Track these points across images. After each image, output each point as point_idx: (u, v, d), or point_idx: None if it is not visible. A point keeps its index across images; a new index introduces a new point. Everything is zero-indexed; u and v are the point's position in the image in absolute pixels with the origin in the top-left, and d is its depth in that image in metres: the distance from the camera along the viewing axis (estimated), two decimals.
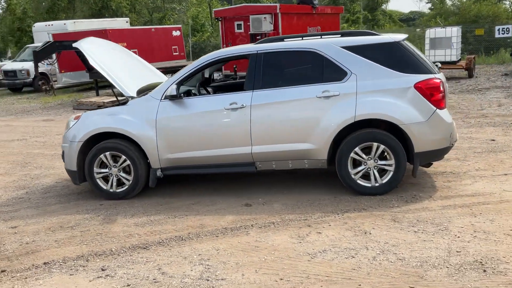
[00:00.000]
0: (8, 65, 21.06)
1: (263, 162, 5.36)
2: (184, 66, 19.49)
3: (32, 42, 22.96)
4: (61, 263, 4.07)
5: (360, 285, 3.41)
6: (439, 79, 5.05)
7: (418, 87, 4.98)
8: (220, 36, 17.74)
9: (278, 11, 15.94)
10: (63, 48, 15.35)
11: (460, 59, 16.11)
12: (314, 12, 18.00)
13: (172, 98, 5.33)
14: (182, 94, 5.58)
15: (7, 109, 15.64)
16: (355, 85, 5.06)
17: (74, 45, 5.81)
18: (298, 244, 4.12)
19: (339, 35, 5.42)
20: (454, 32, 15.53)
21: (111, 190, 5.63)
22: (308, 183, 5.75)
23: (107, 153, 5.53)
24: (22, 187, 6.50)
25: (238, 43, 16.59)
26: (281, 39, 5.53)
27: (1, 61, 25.33)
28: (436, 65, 5.54)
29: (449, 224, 4.30)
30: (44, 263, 4.09)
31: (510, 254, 3.69)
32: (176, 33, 21.82)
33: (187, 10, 35.49)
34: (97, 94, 16.60)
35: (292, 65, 5.45)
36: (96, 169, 5.60)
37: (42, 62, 14.59)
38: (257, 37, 16.05)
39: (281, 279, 3.55)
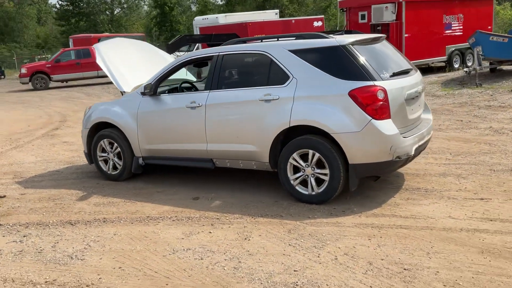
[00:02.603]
0: None
1: (218, 159, 5.61)
2: None
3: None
4: (9, 226, 5.03)
5: (167, 284, 3.59)
6: (381, 87, 4.61)
7: (352, 94, 4.65)
8: (345, 28, 17.44)
9: None
10: (193, 41, 17.04)
11: None
12: None
13: (143, 94, 5.93)
14: (166, 91, 6.16)
15: None
16: (294, 89, 4.95)
17: (93, 46, 6.79)
18: (178, 240, 4.37)
19: (294, 38, 5.29)
20: None
21: (108, 172, 6.51)
22: (272, 184, 5.77)
23: (105, 140, 6.40)
24: (70, 162, 7.83)
25: None
26: (244, 41, 5.64)
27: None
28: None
29: (331, 243, 4.05)
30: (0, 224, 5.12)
31: (339, 282, 3.40)
32: (317, 24, 22.11)
33: None
34: None
35: (245, 67, 5.53)
36: (98, 153, 6.53)
37: (173, 54, 16.43)
38: (377, 28, 15.47)
39: (120, 268, 3.90)
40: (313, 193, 4.98)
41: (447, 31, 16.33)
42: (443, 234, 4.07)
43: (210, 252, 4.06)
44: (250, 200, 5.29)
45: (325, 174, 4.87)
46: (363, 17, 16.33)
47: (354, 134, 4.66)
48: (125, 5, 50.33)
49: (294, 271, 3.63)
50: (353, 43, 4.87)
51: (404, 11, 15.06)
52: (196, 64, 6.37)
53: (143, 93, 5.89)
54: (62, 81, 23.90)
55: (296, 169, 5.06)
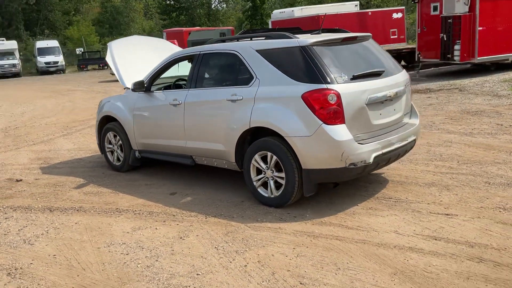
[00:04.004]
0: None
1: (196, 156, 5.70)
2: (401, 49, 19.28)
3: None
4: (2, 208, 5.53)
5: (78, 275, 3.78)
6: (333, 91, 4.39)
7: (305, 97, 4.48)
8: (416, 19, 16.51)
9: None
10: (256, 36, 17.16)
11: None
12: None
13: (133, 90, 6.18)
14: (164, 88, 6.36)
15: None
16: (256, 90, 4.88)
17: (107, 44, 7.19)
18: (123, 234, 4.55)
19: (263, 38, 5.19)
20: None
21: (113, 163, 6.90)
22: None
23: (110, 133, 6.79)
24: (97, 151, 8.35)
25: (433, 26, 15.25)
26: (223, 41, 5.64)
27: None
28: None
29: (255, 250, 3.98)
30: None
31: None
32: (397, 15, 21.16)
33: None
34: None
35: (219, 66, 5.53)
36: (106, 145, 6.95)
37: None
38: (448, 20, 14.47)
39: (54, 256, 4.16)
40: (272, 196, 4.89)
41: None
42: (371, 250, 3.82)
43: (139, 248, 4.19)
44: (219, 199, 5.32)
45: (282, 178, 4.76)
46: (435, 8, 15.31)
47: (306, 138, 4.49)
48: None
49: (197, 274, 3.64)
50: (315, 44, 4.67)
51: (478, 2, 13.84)
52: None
53: (133, 90, 6.16)
54: None
55: (259, 171, 5.00)
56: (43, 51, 36.91)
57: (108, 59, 6.88)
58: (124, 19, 53.55)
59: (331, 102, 4.38)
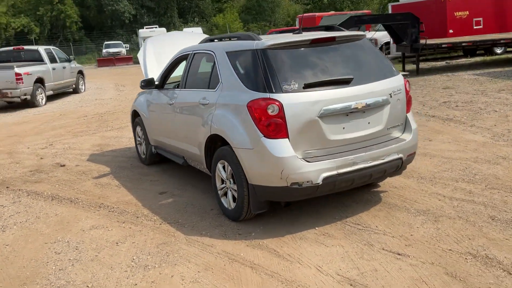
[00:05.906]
0: None
1: (186, 157, 5.62)
2: None
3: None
4: (21, 192, 6.10)
5: (1, 269, 4.00)
6: (275, 101, 3.91)
7: (248, 107, 4.08)
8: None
9: None
10: (361, 22, 16.32)
11: None
12: None
13: (141, 88, 6.27)
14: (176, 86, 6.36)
15: None
16: (218, 95, 4.60)
17: (144, 40, 7.37)
18: (78, 231, 4.68)
19: (235, 38, 4.82)
20: None
21: (141, 155, 7.15)
22: None
23: (138, 127, 7.04)
24: None
25: None
26: (212, 40, 5.37)
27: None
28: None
29: (164, 267, 3.79)
30: (14, 189, 6.25)
31: None
32: None
33: None
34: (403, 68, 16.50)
35: (202, 67, 5.29)
36: (137, 138, 7.22)
37: None
38: None
39: (6, 245, 4.47)
40: (230, 208, 4.60)
41: None
42: (270, 287, 3.36)
43: (73, 249, 4.27)
44: (193, 204, 5.19)
45: (236, 190, 4.45)
46: None
47: (249, 151, 4.11)
48: None
49: (87, 287, 3.60)
50: (272, 47, 4.20)
51: None
52: None
53: (141, 87, 6.25)
54: None
55: (223, 180, 4.74)
56: None
57: (140, 55, 7.08)
58: (268, 5, 54.64)
59: (271, 113, 3.93)
